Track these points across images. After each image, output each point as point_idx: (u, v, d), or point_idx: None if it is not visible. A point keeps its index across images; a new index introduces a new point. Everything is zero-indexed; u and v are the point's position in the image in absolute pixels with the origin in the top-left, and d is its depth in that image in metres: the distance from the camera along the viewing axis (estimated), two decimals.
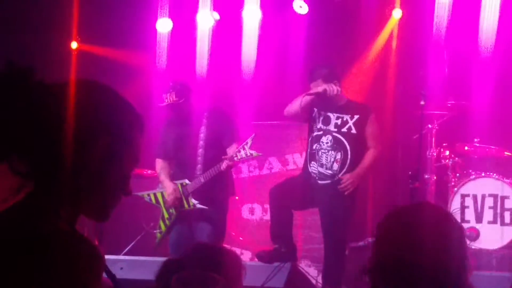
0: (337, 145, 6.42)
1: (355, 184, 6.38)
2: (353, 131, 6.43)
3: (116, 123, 1.82)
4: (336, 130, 6.45)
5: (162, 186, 6.98)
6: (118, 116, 1.84)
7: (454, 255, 2.02)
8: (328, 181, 6.41)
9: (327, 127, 6.47)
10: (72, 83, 1.82)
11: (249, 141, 6.42)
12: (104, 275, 1.87)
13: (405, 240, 2.03)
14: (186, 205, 6.75)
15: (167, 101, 6.72)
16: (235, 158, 6.45)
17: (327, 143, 6.44)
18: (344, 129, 6.44)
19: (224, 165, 6.49)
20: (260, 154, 6.60)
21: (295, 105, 6.54)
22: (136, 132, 1.87)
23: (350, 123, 6.45)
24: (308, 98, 6.43)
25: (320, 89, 6.38)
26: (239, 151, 6.43)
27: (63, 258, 1.64)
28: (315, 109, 6.53)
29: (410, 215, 2.11)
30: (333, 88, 6.35)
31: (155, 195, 7.01)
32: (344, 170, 6.39)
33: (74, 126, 1.75)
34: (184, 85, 6.83)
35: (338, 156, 6.41)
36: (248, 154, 6.41)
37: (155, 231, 7.31)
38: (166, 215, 6.90)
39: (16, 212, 1.72)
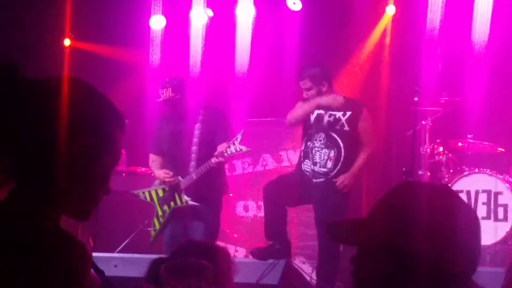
0: (330, 143, 6.42)
1: (350, 185, 6.38)
2: (346, 128, 6.43)
3: (97, 121, 1.81)
4: (328, 127, 6.44)
5: (156, 182, 6.97)
6: (99, 114, 1.83)
7: (459, 243, 1.75)
8: (322, 179, 6.41)
9: (320, 125, 6.48)
10: (55, 80, 1.81)
11: (239, 136, 6.41)
12: (93, 271, 1.87)
13: (399, 220, 1.76)
14: (179, 202, 6.74)
15: (163, 97, 6.71)
16: (225, 154, 6.44)
17: (320, 141, 6.45)
18: (337, 127, 6.43)
19: (214, 161, 6.49)
20: (250, 149, 6.59)
21: (299, 114, 6.55)
22: (116, 130, 1.86)
23: (343, 120, 6.45)
24: (313, 107, 6.46)
25: (323, 102, 6.40)
26: (229, 147, 6.42)
27: (49, 257, 1.64)
28: None
29: (419, 192, 1.81)
30: (338, 101, 6.39)
31: (149, 193, 7.00)
32: (338, 167, 6.39)
33: (56, 123, 1.74)
34: (181, 81, 6.82)
35: (332, 154, 6.41)
36: (238, 149, 6.41)
37: (149, 229, 7.30)
38: (160, 213, 6.89)
39: (2, 212, 1.72)
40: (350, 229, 1.87)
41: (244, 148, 6.42)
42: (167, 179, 6.75)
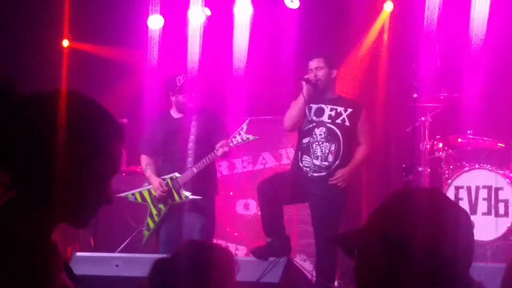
0: (330, 136, 6.41)
1: (347, 181, 6.38)
2: (347, 123, 6.44)
3: (91, 130, 1.84)
4: (330, 121, 6.44)
5: (148, 182, 6.93)
6: (94, 123, 1.85)
7: (451, 236, 1.84)
8: (324, 173, 6.39)
9: (320, 119, 6.47)
10: (51, 93, 1.85)
11: (244, 126, 6.39)
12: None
13: (399, 216, 1.84)
14: (177, 198, 6.70)
15: (181, 82, 6.71)
16: (231, 144, 6.41)
17: (320, 134, 6.44)
18: (339, 121, 6.44)
19: (220, 152, 6.44)
20: (257, 137, 6.55)
21: (293, 113, 6.51)
22: (114, 141, 1.88)
23: (344, 115, 6.45)
24: (302, 99, 6.44)
25: (305, 89, 6.41)
26: (235, 137, 6.39)
27: (17, 254, 1.65)
28: None
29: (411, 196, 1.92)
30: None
31: (140, 193, 6.92)
32: (338, 161, 6.38)
33: (51, 136, 1.77)
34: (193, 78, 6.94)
35: (333, 147, 6.41)
36: (245, 138, 6.38)
37: (142, 229, 7.23)
38: (154, 212, 6.82)
39: None
40: (352, 236, 1.93)
41: (251, 137, 6.40)
42: (159, 192, 6.71)
